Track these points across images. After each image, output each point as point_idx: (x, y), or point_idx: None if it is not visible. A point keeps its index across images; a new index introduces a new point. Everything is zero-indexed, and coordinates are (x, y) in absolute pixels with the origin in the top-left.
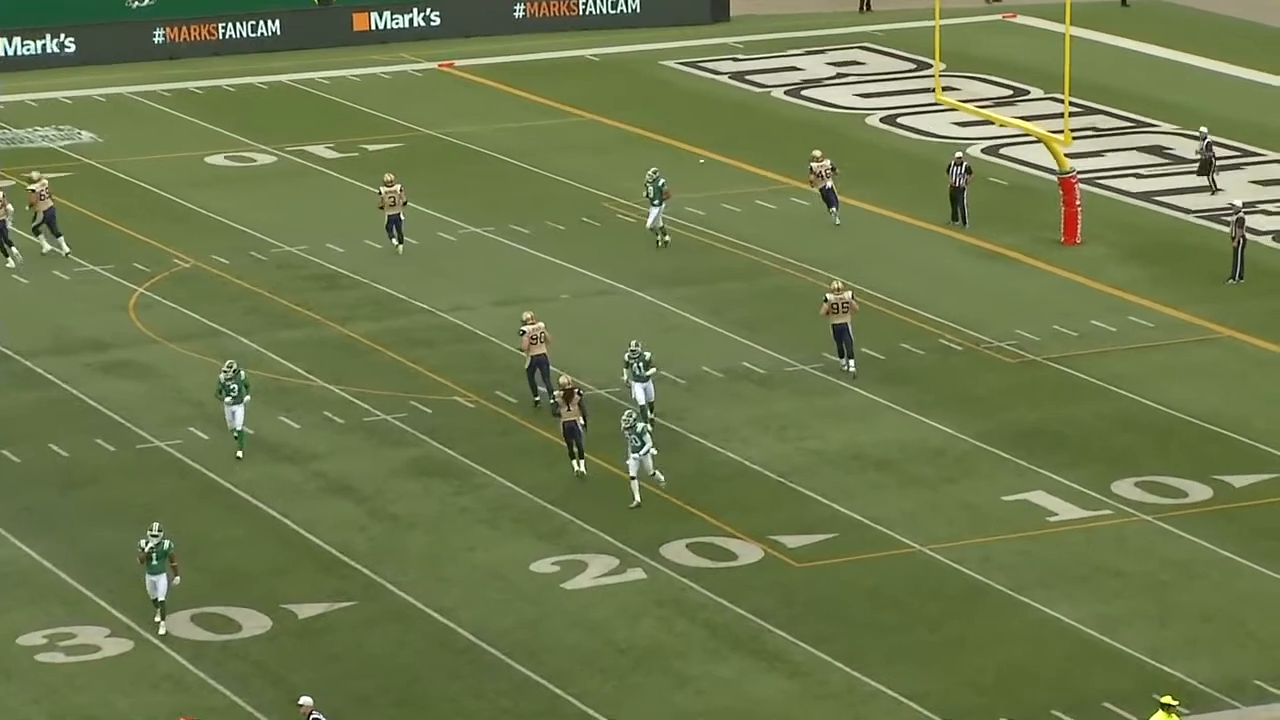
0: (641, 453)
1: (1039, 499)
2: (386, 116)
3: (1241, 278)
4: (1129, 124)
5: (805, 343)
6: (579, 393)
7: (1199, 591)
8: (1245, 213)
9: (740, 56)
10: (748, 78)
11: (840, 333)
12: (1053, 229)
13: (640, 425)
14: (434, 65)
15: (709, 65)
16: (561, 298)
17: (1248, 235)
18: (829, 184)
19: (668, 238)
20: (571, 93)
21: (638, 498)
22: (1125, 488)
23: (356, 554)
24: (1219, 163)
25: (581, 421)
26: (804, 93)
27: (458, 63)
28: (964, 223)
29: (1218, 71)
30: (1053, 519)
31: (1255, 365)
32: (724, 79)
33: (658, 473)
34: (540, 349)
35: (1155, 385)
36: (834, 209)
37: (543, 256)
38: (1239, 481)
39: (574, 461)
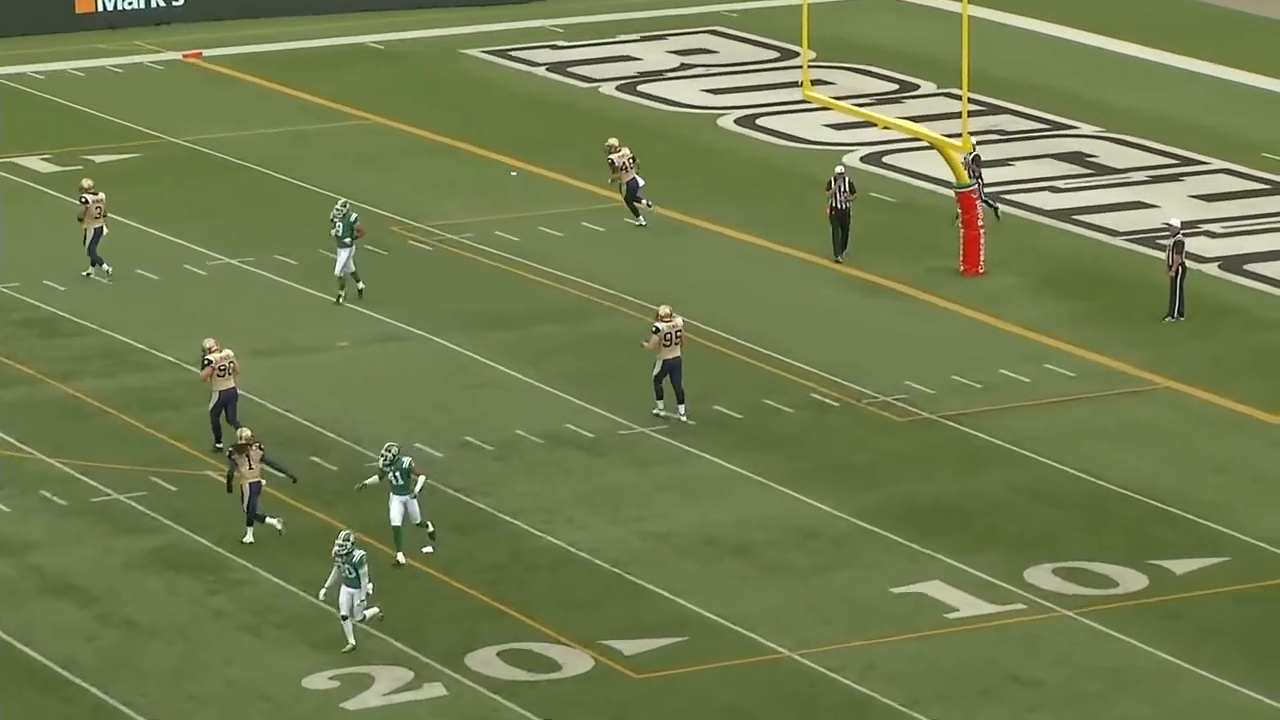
0: (356, 590)
1: (936, 591)
2: (118, 120)
3: (1181, 315)
4: (1043, 126)
5: (644, 399)
6: (261, 447)
7: (1132, 704)
8: (1184, 234)
9: (561, 44)
10: (571, 70)
11: (673, 371)
12: (950, 256)
13: (358, 554)
14: (178, 56)
15: (522, 54)
16: (339, 345)
17: (1188, 263)
18: (635, 177)
19: (361, 284)
20: (351, 89)
21: (351, 640)
22: (1042, 576)
23: (83, 669)
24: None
25: (265, 482)
26: (641, 88)
27: (207, 53)
28: (844, 251)
29: (1153, 61)
30: (952, 615)
31: (1199, 423)
32: (541, 72)
33: (366, 614)
34: (228, 383)
35: (1078, 448)
36: (648, 206)
37: (315, 294)
38: (1180, 567)
39: (248, 529)
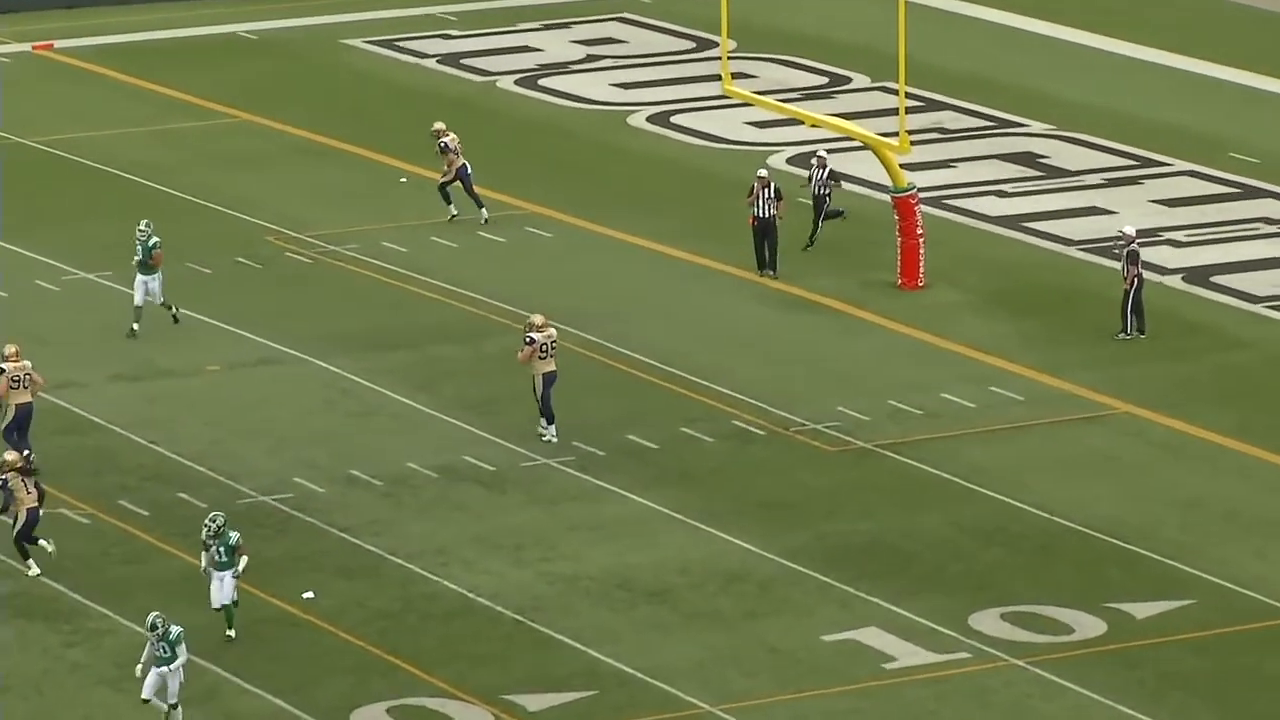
0: (170, 667)
1: (872, 639)
2: None
3: (1141, 332)
4: (989, 124)
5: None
6: (32, 462)
7: None
8: (1140, 244)
9: (454, 32)
10: (465, 62)
11: (550, 385)
12: (886, 268)
13: (175, 630)
14: (27, 47)
15: (410, 45)
16: (209, 369)
17: (1149, 275)
18: (466, 164)
19: (175, 311)
20: (221, 84)
21: None
22: (989, 622)
23: None
24: None
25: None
26: (542, 82)
27: (59, 43)
28: (772, 269)
29: (1110, 52)
30: (891, 665)
31: (1163, 452)
32: (431, 64)
33: (178, 710)
34: (25, 397)
35: (1029, 481)
36: (451, 208)
37: (182, 311)
38: (1142, 611)
39: (28, 563)
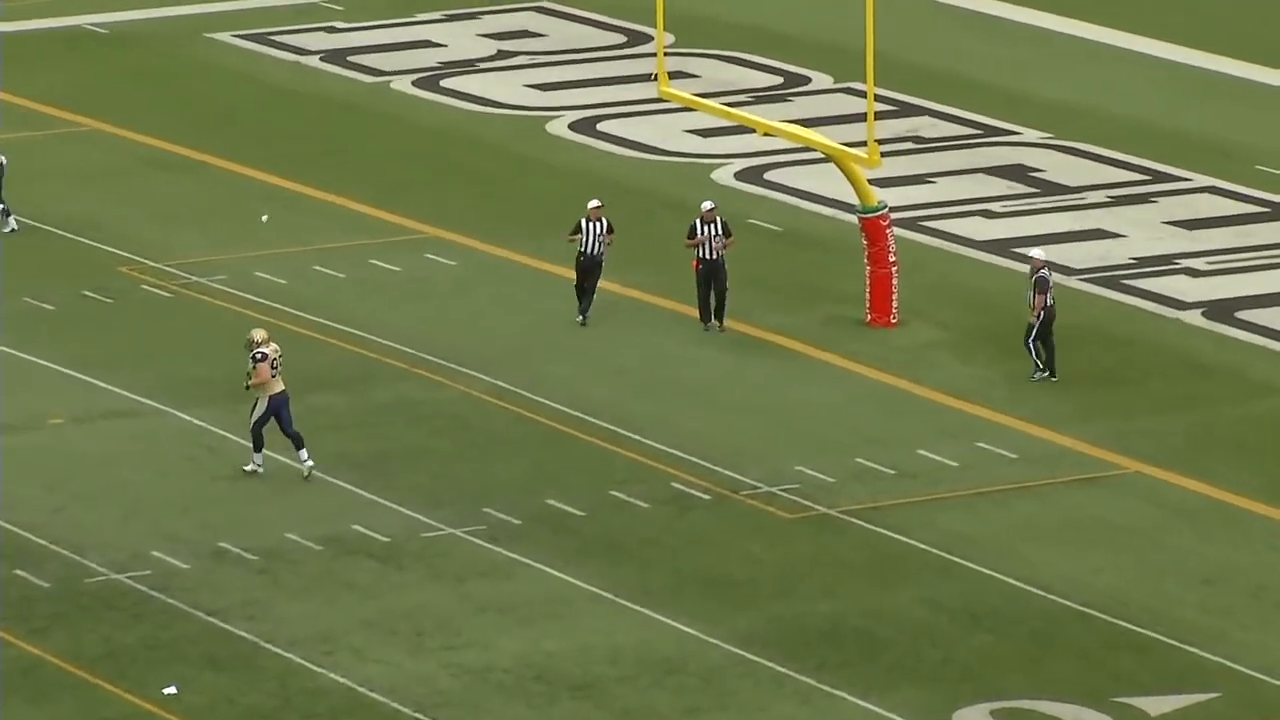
0: None
1: None
2: None
3: (1054, 376)
4: (974, 131)
5: (456, 491)
6: None
7: None
8: (1050, 271)
9: (340, 24)
10: (353, 59)
11: (282, 408)
12: (853, 302)
13: None
14: None
15: (288, 39)
16: (51, 422)
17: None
18: (2, 160)
19: None
20: (63, 86)
21: None
22: (977, 719)
23: None
24: None
25: None
26: (445, 82)
27: None
28: (719, 321)
29: (1115, 46)
30: None
31: (1178, 518)
32: (314, 61)
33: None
34: None
35: (1021, 553)
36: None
37: (20, 355)
38: (1156, 706)
39: None
